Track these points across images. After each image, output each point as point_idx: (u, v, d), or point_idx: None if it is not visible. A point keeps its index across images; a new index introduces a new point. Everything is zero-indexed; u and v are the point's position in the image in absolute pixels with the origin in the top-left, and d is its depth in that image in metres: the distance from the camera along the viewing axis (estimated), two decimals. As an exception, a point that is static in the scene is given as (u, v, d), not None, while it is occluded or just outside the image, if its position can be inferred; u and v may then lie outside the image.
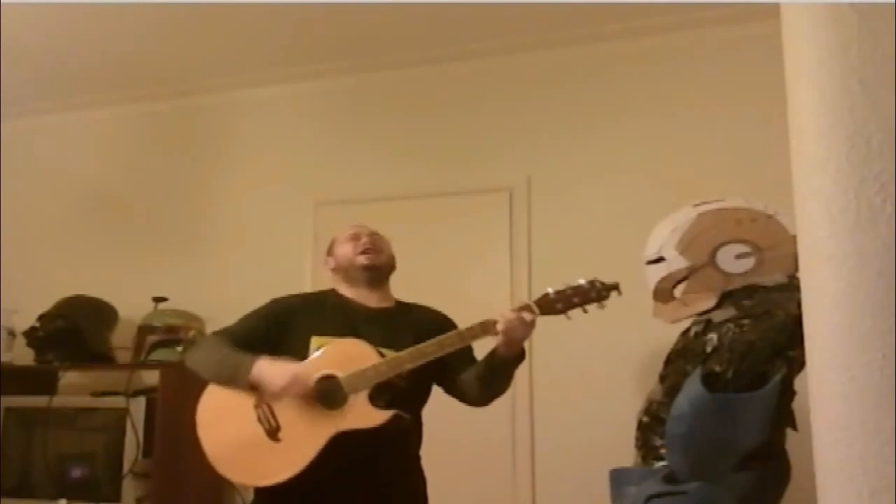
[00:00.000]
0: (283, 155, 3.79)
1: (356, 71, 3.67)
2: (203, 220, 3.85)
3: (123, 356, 3.50)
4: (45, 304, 3.51)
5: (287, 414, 1.97)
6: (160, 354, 3.31)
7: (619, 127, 3.30)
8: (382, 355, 2.01)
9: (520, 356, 2.05)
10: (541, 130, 3.40)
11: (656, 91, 3.28)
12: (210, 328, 3.37)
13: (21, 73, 3.72)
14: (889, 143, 1.05)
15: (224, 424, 2.00)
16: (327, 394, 1.95)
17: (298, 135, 3.80)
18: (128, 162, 4.05)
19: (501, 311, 2.00)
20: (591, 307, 2.01)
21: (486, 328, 1.99)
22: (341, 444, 1.92)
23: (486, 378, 2.08)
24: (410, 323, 2.17)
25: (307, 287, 3.32)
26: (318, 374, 1.97)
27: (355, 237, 2.25)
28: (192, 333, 3.39)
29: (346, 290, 2.23)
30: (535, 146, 3.40)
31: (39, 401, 3.33)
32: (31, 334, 3.46)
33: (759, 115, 3.01)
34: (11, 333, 3.60)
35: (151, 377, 3.35)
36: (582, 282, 2.03)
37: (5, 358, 3.56)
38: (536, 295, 2.03)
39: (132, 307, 3.56)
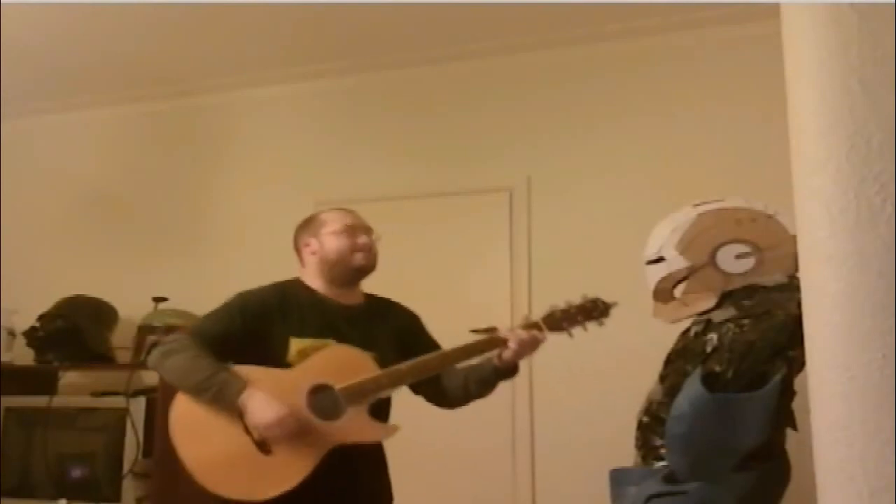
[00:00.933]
0: (283, 155, 3.79)
1: (356, 71, 3.67)
2: (203, 220, 3.85)
3: (123, 356, 3.50)
4: (45, 304, 3.51)
5: None
6: (160, 354, 3.30)
7: (619, 127, 3.30)
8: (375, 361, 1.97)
9: (515, 370, 2.05)
10: (541, 130, 3.40)
11: (656, 91, 3.28)
12: (210, 328, 3.37)
13: (21, 73, 3.72)
14: (889, 143, 1.05)
15: (207, 435, 1.87)
16: (323, 405, 1.88)
17: (298, 135, 3.80)
18: (128, 162, 4.05)
19: (513, 329, 2.00)
20: (591, 325, 2.06)
21: (493, 343, 1.98)
22: (330, 455, 1.87)
23: (474, 388, 2.06)
24: (387, 321, 2.12)
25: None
26: (310, 384, 1.89)
27: (351, 231, 2.08)
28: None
29: (317, 284, 2.09)
30: (535, 146, 3.40)
31: (39, 401, 3.33)
32: (31, 334, 3.46)
33: (759, 115, 3.01)
34: (11, 333, 3.61)
35: (151, 377, 3.34)
36: (582, 300, 2.06)
37: (5, 358, 3.56)
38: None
39: (132, 307, 3.56)
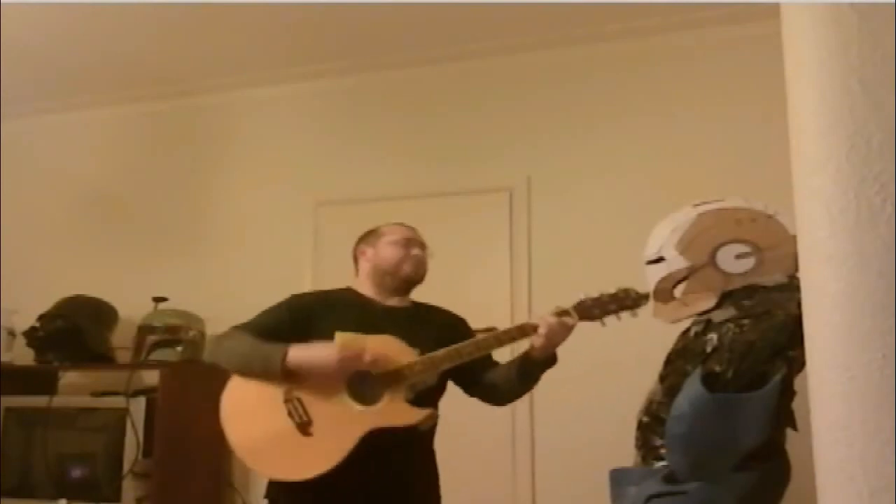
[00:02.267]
0: (283, 155, 3.79)
1: (356, 71, 3.67)
2: (203, 220, 3.85)
3: (123, 356, 3.50)
4: (45, 304, 3.51)
5: (318, 408, 1.96)
6: (160, 354, 3.31)
7: (619, 127, 3.30)
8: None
9: (552, 360, 2.07)
10: (541, 130, 3.40)
11: (656, 91, 3.28)
12: (210, 328, 3.37)
13: (21, 73, 3.72)
14: (889, 143, 1.05)
15: (252, 418, 1.98)
16: (361, 389, 1.95)
17: (298, 135, 3.80)
18: (128, 162, 4.05)
19: (542, 315, 2.03)
20: (625, 314, 2.06)
21: (524, 331, 2.02)
22: (369, 440, 1.92)
23: (516, 380, 2.10)
24: (430, 324, 2.19)
25: (307, 287, 3.32)
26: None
27: (407, 244, 2.20)
28: (191, 333, 3.39)
29: (366, 289, 2.21)
30: (535, 146, 3.40)
31: (39, 401, 3.33)
32: (31, 334, 3.46)
33: (759, 115, 3.01)
34: (11, 333, 3.60)
35: (151, 377, 3.35)
36: (615, 290, 2.08)
37: (5, 358, 3.56)
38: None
39: (132, 307, 3.56)
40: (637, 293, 2.07)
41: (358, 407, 1.95)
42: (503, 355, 2.18)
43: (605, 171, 3.28)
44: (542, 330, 1.98)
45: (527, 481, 3.15)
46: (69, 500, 3.19)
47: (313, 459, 1.90)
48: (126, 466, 3.12)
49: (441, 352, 1.99)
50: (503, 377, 2.13)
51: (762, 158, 2.91)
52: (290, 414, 1.95)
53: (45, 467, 3.27)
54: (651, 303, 2.07)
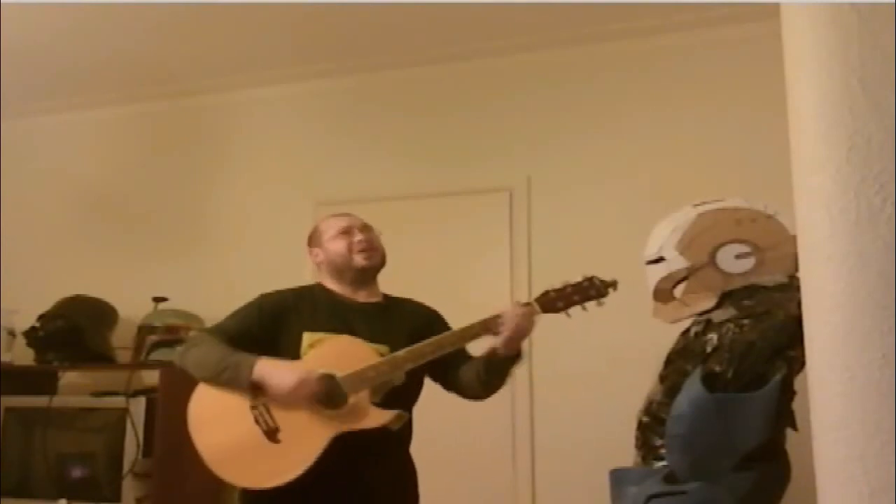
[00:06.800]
0: (283, 155, 3.79)
1: (356, 71, 3.67)
2: (203, 220, 3.85)
3: (123, 356, 3.50)
4: (45, 304, 3.51)
5: (285, 414, 1.93)
6: (160, 354, 3.30)
7: (619, 127, 3.30)
8: (380, 354, 2.00)
9: (518, 356, 2.04)
10: (541, 130, 3.40)
11: (656, 91, 3.28)
12: (210, 328, 3.37)
13: (21, 73, 3.72)
14: (889, 143, 1.05)
15: (219, 425, 1.96)
16: (326, 393, 1.93)
17: (298, 135, 3.80)
18: (128, 162, 4.05)
19: (502, 308, 1.99)
20: (591, 305, 2.02)
21: (486, 326, 1.99)
22: (338, 443, 1.90)
23: (484, 377, 2.07)
24: (402, 318, 2.16)
25: (307, 287, 3.32)
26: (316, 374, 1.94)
27: (348, 232, 2.17)
28: (192, 333, 3.39)
29: (333, 285, 2.17)
30: (535, 146, 3.40)
31: (39, 401, 3.33)
32: (31, 334, 3.46)
33: (759, 115, 3.01)
34: (11, 333, 3.60)
35: (151, 377, 3.34)
36: (580, 279, 2.05)
37: (5, 358, 3.55)
38: (536, 295, 2.04)
39: (132, 307, 3.56)
40: (602, 281, 2.03)
41: (325, 411, 1.92)
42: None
43: (604, 171, 3.28)
44: (506, 322, 1.95)
45: (527, 481, 3.15)
46: (69, 500, 3.19)
47: (282, 466, 1.88)
48: (126, 466, 3.12)
49: (403, 352, 1.97)
50: (473, 374, 2.09)
51: (762, 158, 2.91)
52: (256, 421, 1.93)
53: (45, 467, 3.27)
54: (651, 303, 2.07)
